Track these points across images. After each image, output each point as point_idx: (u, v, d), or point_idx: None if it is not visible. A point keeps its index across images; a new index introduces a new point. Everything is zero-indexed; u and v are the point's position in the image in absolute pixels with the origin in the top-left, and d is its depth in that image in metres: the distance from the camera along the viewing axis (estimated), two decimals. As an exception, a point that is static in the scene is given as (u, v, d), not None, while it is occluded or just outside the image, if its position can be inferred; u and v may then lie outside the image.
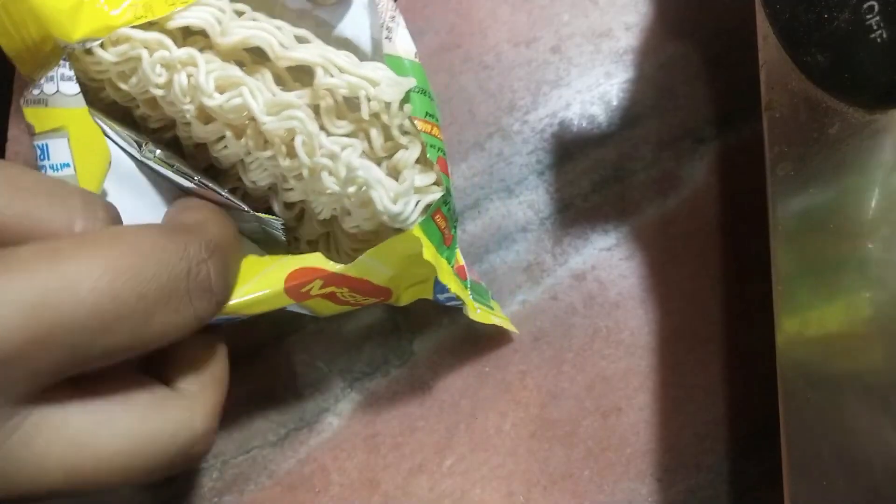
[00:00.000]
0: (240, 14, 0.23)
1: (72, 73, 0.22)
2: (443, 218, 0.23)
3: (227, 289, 0.21)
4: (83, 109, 0.22)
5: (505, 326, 0.28)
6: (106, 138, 0.23)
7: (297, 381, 0.29)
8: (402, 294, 0.26)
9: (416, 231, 0.22)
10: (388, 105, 0.21)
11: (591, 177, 0.30)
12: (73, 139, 0.22)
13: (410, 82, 0.22)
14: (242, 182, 0.25)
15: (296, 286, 0.22)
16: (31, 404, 0.17)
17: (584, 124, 0.31)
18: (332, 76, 0.22)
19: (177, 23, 0.22)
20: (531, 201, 0.30)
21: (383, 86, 0.21)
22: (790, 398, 0.21)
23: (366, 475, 0.28)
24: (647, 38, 0.31)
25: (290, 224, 0.26)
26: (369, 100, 0.22)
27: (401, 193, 0.22)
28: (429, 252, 0.22)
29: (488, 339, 0.29)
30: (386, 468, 0.28)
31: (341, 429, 0.29)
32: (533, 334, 0.29)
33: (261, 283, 0.22)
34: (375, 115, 0.22)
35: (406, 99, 0.22)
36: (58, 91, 0.22)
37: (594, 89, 0.31)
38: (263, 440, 0.29)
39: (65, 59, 0.22)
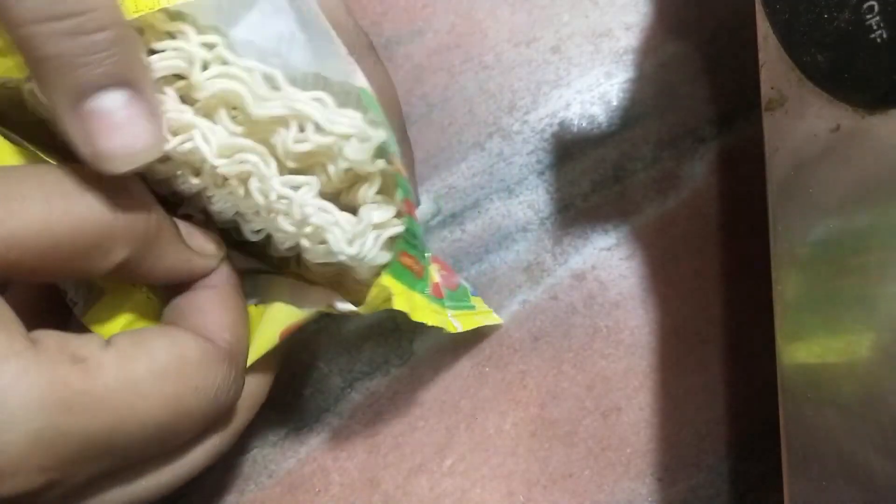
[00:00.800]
0: (210, 47, 0.21)
1: None
2: (409, 257, 0.23)
3: None
4: None
5: (489, 322, 0.28)
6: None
7: (297, 381, 0.29)
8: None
9: (386, 280, 0.22)
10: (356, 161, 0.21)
11: (591, 177, 0.30)
12: None
13: (380, 137, 0.21)
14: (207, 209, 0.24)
15: (290, 333, 0.23)
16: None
17: (584, 124, 0.31)
18: (302, 131, 0.21)
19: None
20: (531, 201, 0.30)
21: (353, 142, 0.21)
22: (790, 398, 0.21)
23: (366, 475, 0.28)
24: (647, 38, 0.31)
25: (261, 243, 0.26)
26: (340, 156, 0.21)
27: (357, 234, 0.22)
28: (400, 300, 0.22)
29: (488, 340, 0.29)
30: (386, 468, 0.28)
31: (341, 429, 0.29)
32: (533, 334, 0.29)
33: (258, 346, 0.23)
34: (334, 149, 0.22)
35: (379, 153, 0.22)
36: None
37: (594, 89, 0.31)
38: (263, 440, 0.29)
39: None
